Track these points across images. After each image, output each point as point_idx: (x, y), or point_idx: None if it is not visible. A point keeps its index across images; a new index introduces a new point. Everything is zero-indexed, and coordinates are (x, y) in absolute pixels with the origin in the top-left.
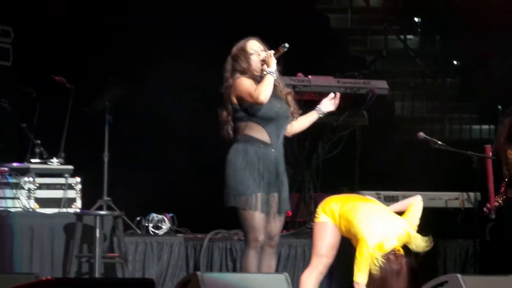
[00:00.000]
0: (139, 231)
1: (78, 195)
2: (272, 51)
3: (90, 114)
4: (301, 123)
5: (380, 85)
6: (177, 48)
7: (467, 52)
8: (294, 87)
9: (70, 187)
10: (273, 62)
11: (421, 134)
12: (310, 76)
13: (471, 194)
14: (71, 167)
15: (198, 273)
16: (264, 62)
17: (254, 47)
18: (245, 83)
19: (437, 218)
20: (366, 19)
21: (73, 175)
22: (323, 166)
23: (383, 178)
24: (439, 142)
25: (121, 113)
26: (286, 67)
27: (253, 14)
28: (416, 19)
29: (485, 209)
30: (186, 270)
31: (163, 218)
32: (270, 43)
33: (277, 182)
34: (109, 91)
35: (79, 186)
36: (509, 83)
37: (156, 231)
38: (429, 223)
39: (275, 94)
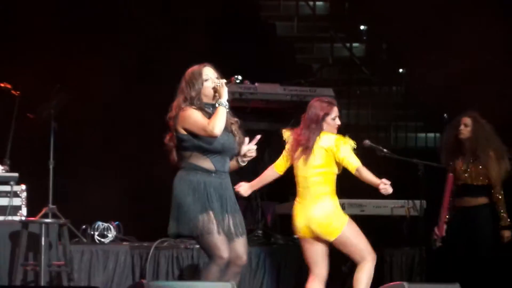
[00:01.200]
0: (84, 239)
1: (24, 203)
2: (224, 81)
3: (36, 121)
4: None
5: (326, 93)
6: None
7: (412, 59)
8: (240, 94)
9: (16, 194)
10: (225, 92)
11: (367, 142)
12: (256, 84)
13: (417, 202)
14: (16, 174)
15: (144, 281)
16: (215, 91)
17: (209, 73)
18: (194, 116)
19: (383, 226)
20: (312, 26)
21: (18, 182)
22: None
23: None
24: (385, 150)
25: (66, 119)
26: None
27: (200, 21)
28: (362, 27)
29: (434, 236)
30: (132, 278)
31: (108, 226)
32: (218, 53)
33: (228, 207)
34: (54, 98)
35: (24, 194)
36: (454, 91)
37: (102, 239)
38: (374, 230)
39: None
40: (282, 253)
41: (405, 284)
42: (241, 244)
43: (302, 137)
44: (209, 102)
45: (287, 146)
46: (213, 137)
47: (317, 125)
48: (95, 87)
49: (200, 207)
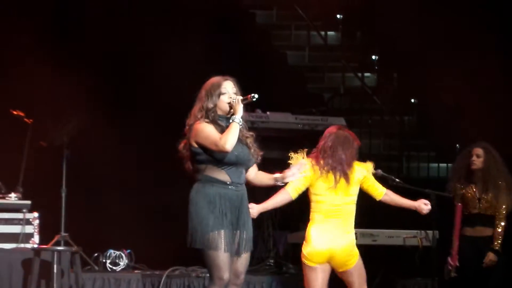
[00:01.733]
0: (96, 267)
1: (36, 230)
2: (240, 97)
3: (48, 149)
4: (260, 181)
5: (338, 122)
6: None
7: (423, 89)
8: (252, 123)
9: (28, 222)
10: (240, 109)
11: (379, 171)
12: (268, 113)
13: (429, 232)
14: (28, 202)
15: None
16: (230, 106)
17: (228, 88)
18: (207, 131)
19: (395, 256)
20: (324, 56)
21: (30, 210)
22: None
23: None
24: (397, 180)
25: (79, 147)
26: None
27: (212, 48)
28: (373, 57)
29: (449, 266)
30: None
31: (120, 254)
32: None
33: (240, 221)
34: (66, 125)
35: (36, 221)
36: (465, 122)
37: (114, 267)
38: (387, 261)
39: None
40: (293, 283)
41: None
42: (242, 262)
43: (336, 163)
44: (223, 115)
45: (309, 171)
46: (224, 152)
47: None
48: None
49: (212, 222)
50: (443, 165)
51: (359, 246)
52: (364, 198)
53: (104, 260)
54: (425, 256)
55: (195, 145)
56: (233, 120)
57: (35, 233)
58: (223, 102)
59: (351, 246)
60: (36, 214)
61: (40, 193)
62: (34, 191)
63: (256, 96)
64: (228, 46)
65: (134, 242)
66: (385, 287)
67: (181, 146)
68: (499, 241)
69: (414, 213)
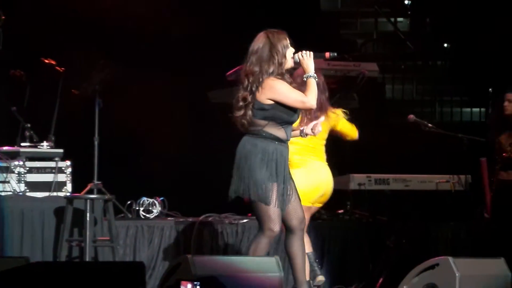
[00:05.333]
0: (129, 215)
1: (69, 179)
2: (311, 53)
3: (80, 97)
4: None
5: (371, 68)
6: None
7: (457, 34)
8: None
9: (60, 170)
10: (312, 64)
11: (412, 116)
12: None
13: (462, 177)
14: (61, 150)
15: (189, 256)
16: (301, 62)
17: (288, 42)
18: (288, 88)
19: (428, 201)
20: (357, 1)
21: (63, 158)
22: None
23: (373, 161)
24: (430, 125)
25: (112, 96)
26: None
27: None
28: (406, 2)
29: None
30: (177, 253)
31: (153, 201)
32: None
33: (289, 174)
34: (99, 74)
35: (69, 170)
36: (500, 66)
37: (147, 215)
38: (420, 205)
39: None
40: (326, 228)
41: (450, 258)
42: (298, 208)
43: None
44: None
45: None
46: (308, 110)
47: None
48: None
49: (268, 175)
50: (476, 109)
51: (392, 192)
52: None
53: (137, 208)
54: (458, 200)
55: (267, 101)
56: (310, 77)
57: (68, 182)
58: (289, 56)
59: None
60: (68, 163)
61: (73, 142)
62: (67, 140)
63: (335, 54)
64: None
65: (168, 189)
66: (418, 232)
67: (241, 96)
68: None
69: (447, 158)
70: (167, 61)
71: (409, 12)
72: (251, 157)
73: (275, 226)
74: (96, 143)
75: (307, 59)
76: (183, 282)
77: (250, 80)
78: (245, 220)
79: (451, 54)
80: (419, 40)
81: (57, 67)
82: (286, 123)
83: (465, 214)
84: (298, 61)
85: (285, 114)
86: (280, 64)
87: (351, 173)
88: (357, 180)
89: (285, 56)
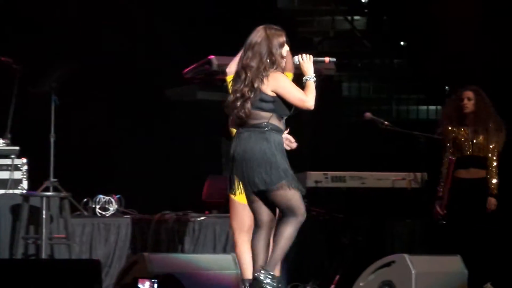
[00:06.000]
0: (86, 213)
1: (25, 176)
2: (311, 56)
3: (37, 95)
4: None
5: (327, 66)
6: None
7: (414, 32)
8: None
9: (16, 168)
10: (311, 67)
11: (368, 114)
12: None
13: (418, 174)
14: (17, 148)
15: (145, 254)
16: (300, 65)
17: (285, 40)
18: (291, 84)
19: (384, 198)
20: None
21: (19, 156)
22: None
23: (330, 158)
24: (386, 123)
25: (68, 93)
26: (234, 47)
27: None
28: (363, 0)
29: (438, 216)
30: (134, 251)
31: (110, 199)
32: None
33: None
34: (55, 71)
35: (25, 167)
36: (456, 64)
37: (103, 213)
38: (376, 203)
39: None
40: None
41: (406, 256)
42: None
43: None
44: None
45: None
46: (305, 110)
47: None
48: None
49: (286, 165)
50: (432, 107)
51: (348, 189)
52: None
53: (93, 206)
54: (414, 198)
55: (271, 93)
56: (310, 79)
57: (24, 179)
58: (284, 54)
59: None
60: (24, 160)
61: (29, 140)
62: (24, 138)
63: (334, 60)
64: None
65: (124, 187)
66: (375, 230)
67: (246, 90)
68: (495, 185)
69: (403, 155)
70: (124, 59)
71: (365, 10)
72: (268, 150)
73: (304, 209)
74: (52, 140)
75: (307, 62)
76: (140, 280)
77: (250, 75)
78: (202, 218)
79: (408, 52)
80: (375, 39)
81: (13, 65)
82: (285, 116)
83: (421, 211)
84: (298, 63)
85: (285, 106)
86: (277, 61)
87: (307, 170)
88: (314, 178)
89: (281, 54)
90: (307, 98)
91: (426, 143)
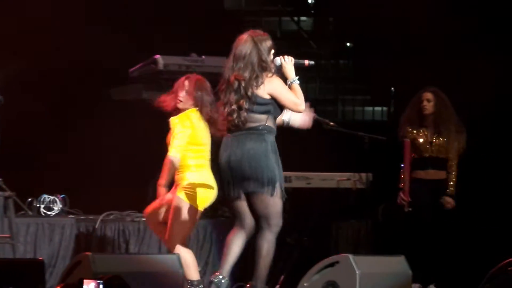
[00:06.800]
0: (30, 212)
1: None
2: (292, 58)
3: None
4: None
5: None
6: None
7: (360, 34)
8: (187, 67)
9: None
10: (293, 69)
11: (314, 115)
12: (203, 57)
13: (363, 175)
14: None
15: (89, 253)
16: (282, 66)
17: (271, 43)
18: (285, 88)
19: (330, 198)
20: (260, 0)
21: None
22: None
23: None
24: (331, 123)
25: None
26: (179, 47)
27: None
28: (309, 1)
29: (402, 201)
30: (78, 251)
31: (54, 199)
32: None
33: None
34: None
35: None
36: (402, 65)
37: (48, 212)
38: (321, 203)
39: None
40: (228, 226)
41: (350, 256)
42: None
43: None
44: None
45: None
46: (297, 112)
47: None
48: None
49: (278, 170)
50: (378, 108)
51: (293, 190)
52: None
53: (38, 205)
54: (359, 199)
55: (267, 96)
56: (294, 81)
57: None
58: (271, 58)
59: None
60: None
61: None
62: None
63: (313, 63)
64: None
65: (69, 187)
66: (319, 230)
67: (232, 101)
68: (453, 184)
69: (348, 156)
70: (68, 57)
71: (312, 11)
72: (263, 154)
73: (281, 220)
74: None
75: (289, 64)
76: (86, 281)
77: (243, 85)
78: None
79: (354, 54)
80: (322, 40)
81: None
82: (278, 115)
83: (366, 212)
84: (280, 64)
85: (278, 108)
86: (268, 66)
87: None
88: None
89: (271, 59)
90: (299, 101)
91: (371, 143)
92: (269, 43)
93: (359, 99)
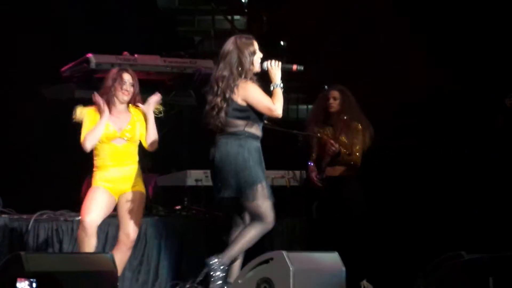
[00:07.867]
0: None
1: None
2: (279, 63)
3: None
4: None
5: (207, 65)
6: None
7: (293, 32)
8: (119, 65)
9: None
10: (279, 73)
11: None
12: (136, 55)
13: (297, 172)
14: None
15: (22, 252)
16: (268, 71)
17: (257, 48)
18: (259, 93)
19: None
20: None
21: None
22: None
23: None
24: (265, 121)
25: None
26: (112, 46)
27: None
28: (242, 0)
29: (315, 178)
30: (11, 251)
31: None
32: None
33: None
34: None
35: None
36: (335, 63)
37: None
38: None
39: None
40: (163, 225)
41: (284, 252)
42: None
43: None
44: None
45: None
46: (274, 117)
47: None
48: None
49: (260, 173)
50: (312, 106)
51: None
52: None
53: None
54: (293, 196)
55: (242, 103)
56: (277, 86)
57: None
58: (256, 62)
59: None
60: None
61: None
62: None
63: (302, 68)
64: None
65: (1, 187)
66: None
67: (218, 101)
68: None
69: (282, 154)
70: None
71: (245, 10)
72: (241, 158)
73: (273, 218)
74: None
75: (276, 68)
76: (19, 279)
77: (221, 86)
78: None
79: (287, 52)
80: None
81: None
82: (261, 121)
83: (300, 209)
84: (266, 69)
85: (259, 113)
86: (249, 69)
87: (188, 169)
88: (194, 176)
89: (252, 62)
90: (274, 107)
91: (305, 141)
92: (252, 47)
93: (293, 98)
